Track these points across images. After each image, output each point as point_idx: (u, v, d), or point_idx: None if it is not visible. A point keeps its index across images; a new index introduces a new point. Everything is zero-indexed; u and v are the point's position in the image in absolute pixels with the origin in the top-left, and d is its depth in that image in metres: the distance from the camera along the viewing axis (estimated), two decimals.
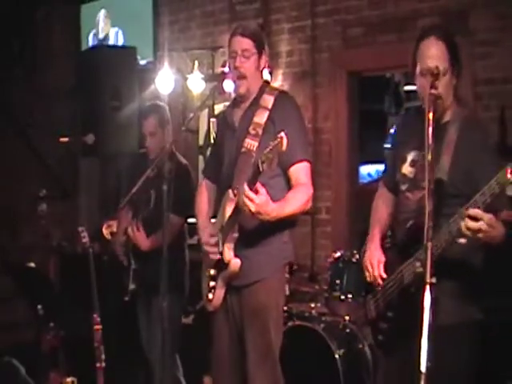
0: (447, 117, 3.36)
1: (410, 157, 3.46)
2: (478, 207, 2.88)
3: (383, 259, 3.53)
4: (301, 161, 3.84)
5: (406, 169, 3.48)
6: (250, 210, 3.51)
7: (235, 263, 3.80)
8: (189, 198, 4.60)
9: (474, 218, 2.86)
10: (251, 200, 3.47)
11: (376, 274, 3.51)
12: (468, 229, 2.89)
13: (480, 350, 3.32)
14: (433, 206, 3.16)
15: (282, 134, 3.28)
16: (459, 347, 3.26)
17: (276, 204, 3.62)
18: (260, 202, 3.49)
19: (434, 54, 3.25)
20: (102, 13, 8.63)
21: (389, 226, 3.72)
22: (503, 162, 2.83)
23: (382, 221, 3.71)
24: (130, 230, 5.15)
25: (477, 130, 3.32)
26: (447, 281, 3.18)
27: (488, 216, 2.86)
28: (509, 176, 2.74)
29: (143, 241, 5.07)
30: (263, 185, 3.54)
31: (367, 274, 3.58)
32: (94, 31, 8.73)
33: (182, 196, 4.51)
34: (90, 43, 8.74)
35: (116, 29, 8.52)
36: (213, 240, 3.95)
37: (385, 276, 3.50)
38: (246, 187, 3.48)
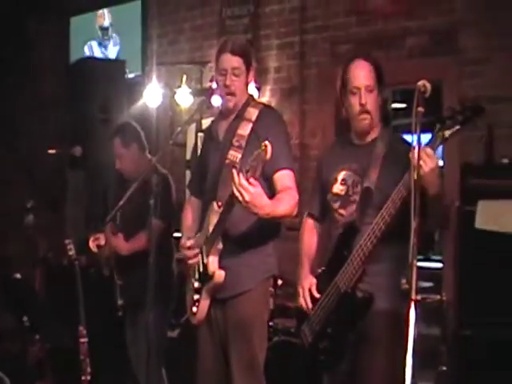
0: (375, 134, 3.64)
1: (341, 176, 3.70)
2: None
3: (314, 282, 3.72)
4: (285, 168, 3.81)
5: (338, 188, 3.71)
6: (244, 200, 3.41)
7: (220, 275, 3.79)
8: (167, 202, 4.67)
9: None
10: (245, 189, 3.38)
11: (307, 294, 3.70)
12: None
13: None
14: (358, 215, 3.51)
15: (267, 142, 3.26)
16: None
17: (270, 201, 3.57)
18: (254, 192, 3.40)
19: (363, 73, 3.61)
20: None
21: (317, 254, 3.95)
22: None
23: (312, 251, 3.95)
24: (107, 232, 5.04)
25: (402, 146, 3.51)
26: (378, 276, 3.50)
27: None
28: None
29: (122, 244, 4.99)
30: None
31: (300, 298, 3.75)
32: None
33: (161, 201, 4.35)
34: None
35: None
36: (188, 243, 3.97)
37: (318, 295, 3.66)
38: (241, 176, 3.38)
